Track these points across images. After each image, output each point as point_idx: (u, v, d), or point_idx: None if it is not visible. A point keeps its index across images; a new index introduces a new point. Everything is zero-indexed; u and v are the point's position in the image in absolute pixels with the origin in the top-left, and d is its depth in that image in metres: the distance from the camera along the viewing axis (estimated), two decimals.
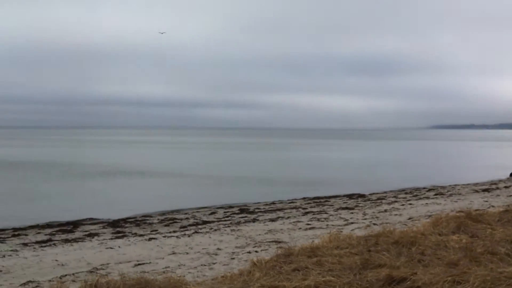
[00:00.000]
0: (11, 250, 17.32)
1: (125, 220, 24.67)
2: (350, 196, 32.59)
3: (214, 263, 14.15)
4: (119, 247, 17.41)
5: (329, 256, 10.84)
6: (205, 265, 13.92)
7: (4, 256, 16.27)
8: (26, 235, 20.90)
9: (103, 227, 22.65)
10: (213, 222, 23.53)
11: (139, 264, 14.45)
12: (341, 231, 16.87)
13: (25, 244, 18.53)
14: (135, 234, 20.35)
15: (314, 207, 27.98)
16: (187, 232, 20.29)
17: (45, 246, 18.04)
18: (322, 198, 31.99)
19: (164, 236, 19.41)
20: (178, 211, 27.77)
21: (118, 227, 22.59)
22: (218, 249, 16.39)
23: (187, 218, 24.86)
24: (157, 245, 17.49)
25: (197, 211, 27.56)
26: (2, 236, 20.67)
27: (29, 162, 63.59)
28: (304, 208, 27.31)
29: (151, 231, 21.24)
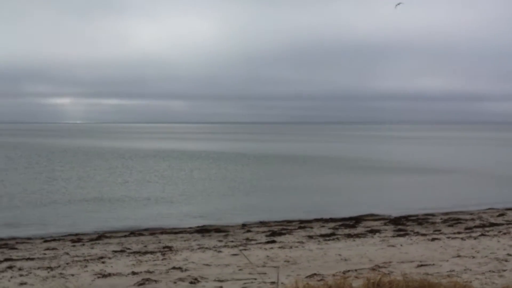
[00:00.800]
0: (298, 242, 18.23)
1: (406, 217, 24.35)
2: None
3: (504, 270, 13.07)
4: (401, 245, 17.17)
5: None
6: (493, 272, 12.93)
7: (291, 247, 17.18)
8: (311, 227, 21.88)
9: (385, 224, 22.63)
10: (501, 224, 21.89)
11: (422, 265, 14.03)
12: None
13: (310, 237, 19.36)
14: (417, 233, 19.89)
15: None
16: (473, 234, 19.18)
17: (329, 240, 18.62)
18: None
19: (448, 237, 18.61)
20: (462, 211, 26.53)
21: (400, 224, 22.35)
22: (508, 254, 15.13)
23: (472, 219, 23.56)
24: (441, 246, 16.83)
25: (484, 212, 25.97)
26: (290, 227, 21.97)
27: (312, 156, 66.89)
28: None
29: (434, 231, 20.56)
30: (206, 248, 17.23)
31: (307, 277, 13.01)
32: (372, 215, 25.32)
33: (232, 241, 18.71)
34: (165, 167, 52.24)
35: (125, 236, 20.68)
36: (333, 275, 12.96)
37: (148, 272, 13.80)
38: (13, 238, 20.57)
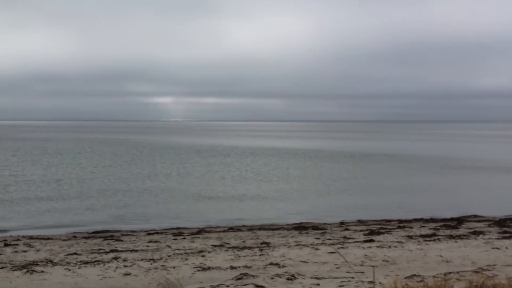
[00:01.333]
0: (397, 242, 17.88)
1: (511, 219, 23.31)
2: None
3: None
4: (506, 248, 16.44)
5: None
6: None
7: (390, 247, 16.88)
8: (410, 227, 21.40)
9: (489, 226, 21.75)
10: None
11: None
12: None
13: (410, 237, 18.93)
14: None
15: None
16: None
17: (429, 241, 18.13)
18: None
19: None
20: None
21: (505, 226, 21.39)
22: None
23: None
24: None
25: None
26: (388, 227, 21.60)
27: (410, 155, 65.25)
28: None
29: None
30: (303, 245, 17.26)
31: (406, 277, 12.73)
32: (475, 216, 24.43)
33: (330, 239, 18.63)
34: (262, 164, 52.76)
35: (224, 231, 21.11)
36: (434, 276, 12.62)
37: (246, 267, 14.01)
38: (118, 231, 21.54)
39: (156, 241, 18.54)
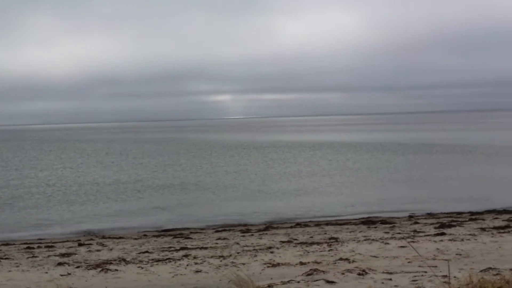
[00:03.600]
0: (469, 235, 17.42)
1: None
2: None
3: None
4: None
5: None
6: None
7: (462, 240, 16.47)
8: (483, 219, 20.83)
9: None
10: None
11: None
12: None
13: (483, 229, 18.40)
14: None
15: None
16: None
17: (503, 233, 17.58)
18: None
19: None
20: None
21: None
22: None
23: None
24: None
25: None
26: (460, 219, 21.08)
27: (474, 145, 63.48)
28: None
29: None
30: (373, 239, 17.04)
31: (481, 271, 12.37)
32: None
33: (399, 233, 18.32)
34: (322, 158, 52.52)
35: (291, 227, 21.10)
36: (510, 269, 12.23)
37: (316, 262, 13.92)
38: (187, 229, 21.85)
39: (224, 238, 18.70)
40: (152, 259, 15.12)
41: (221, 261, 14.60)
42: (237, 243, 17.49)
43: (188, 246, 17.24)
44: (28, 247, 18.32)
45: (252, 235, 19.35)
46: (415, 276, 12.10)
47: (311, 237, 18.31)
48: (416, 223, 20.82)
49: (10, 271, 14.12)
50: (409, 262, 13.67)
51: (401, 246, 15.47)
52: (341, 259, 14.25)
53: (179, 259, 14.96)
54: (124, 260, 15.21)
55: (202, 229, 21.67)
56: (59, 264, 14.84)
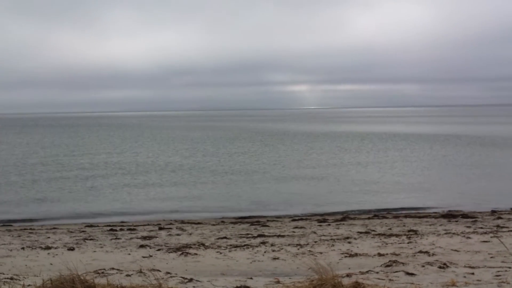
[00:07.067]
0: None
1: None
2: None
3: None
4: None
5: None
6: None
7: None
8: None
9: None
10: None
11: None
12: None
13: None
14: None
15: None
16: None
17: None
18: None
19: None
20: None
21: None
22: None
23: None
24: None
25: None
26: None
27: None
28: None
29: None
30: (454, 233, 16.63)
31: None
32: None
33: (481, 228, 17.80)
34: (398, 150, 51.56)
35: (368, 218, 20.90)
36: None
37: (394, 254, 13.74)
38: (264, 216, 22.03)
39: (301, 227, 18.74)
40: (230, 245, 15.35)
41: (298, 249, 14.64)
42: (314, 232, 17.49)
43: (266, 234, 17.39)
44: (111, 229, 19.02)
45: (329, 225, 19.30)
46: (499, 271, 11.74)
47: (390, 228, 18.08)
48: (499, 218, 20.15)
49: (94, 251, 14.69)
50: (491, 257, 13.28)
51: (484, 241, 15.03)
52: (420, 251, 14.00)
53: (256, 246, 15.11)
54: (203, 244, 15.52)
55: (278, 217, 21.80)
56: (141, 246, 15.32)
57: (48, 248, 14.97)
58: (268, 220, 20.80)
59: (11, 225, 21.33)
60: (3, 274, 10.20)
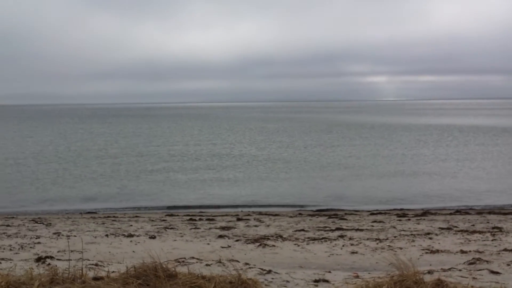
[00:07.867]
0: None
1: None
2: None
3: None
4: None
5: None
6: None
7: None
8: None
9: None
10: None
11: None
12: None
13: None
14: None
15: None
16: None
17: None
18: None
19: None
20: None
21: None
22: None
23: None
24: None
25: None
26: None
27: None
28: None
29: None
30: None
31: None
32: None
33: None
34: (480, 144, 49.87)
35: (450, 214, 20.35)
36: None
37: (478, 252, 13.30)
38: (342, 210, 21.86)
39: (380, 221, 18.46)
40: (308, 238, 15.31)
41: (377, 244, 14.42)
42: (394, 227, 17.18)
43: (344, 227, 17.23)
44: (191, 219, 19.39)
45: (409, 219, 18.91)
46: None
47: (473, 225, 17.53)
48: None
49: (175, 240, 15.00)
50: None
51: None
52: (505, 249, 13.48)
53: (334, 239, 14.99)
54: (281, 236, 15.55)
55: (356, 211, 21.57)
56: (220, 236, 15.53)
57: (130, 235, 15.42)
58: (346, 214, 20.61)
59: (95, 213, 22.15)
60: (89, 260, 10.57)
